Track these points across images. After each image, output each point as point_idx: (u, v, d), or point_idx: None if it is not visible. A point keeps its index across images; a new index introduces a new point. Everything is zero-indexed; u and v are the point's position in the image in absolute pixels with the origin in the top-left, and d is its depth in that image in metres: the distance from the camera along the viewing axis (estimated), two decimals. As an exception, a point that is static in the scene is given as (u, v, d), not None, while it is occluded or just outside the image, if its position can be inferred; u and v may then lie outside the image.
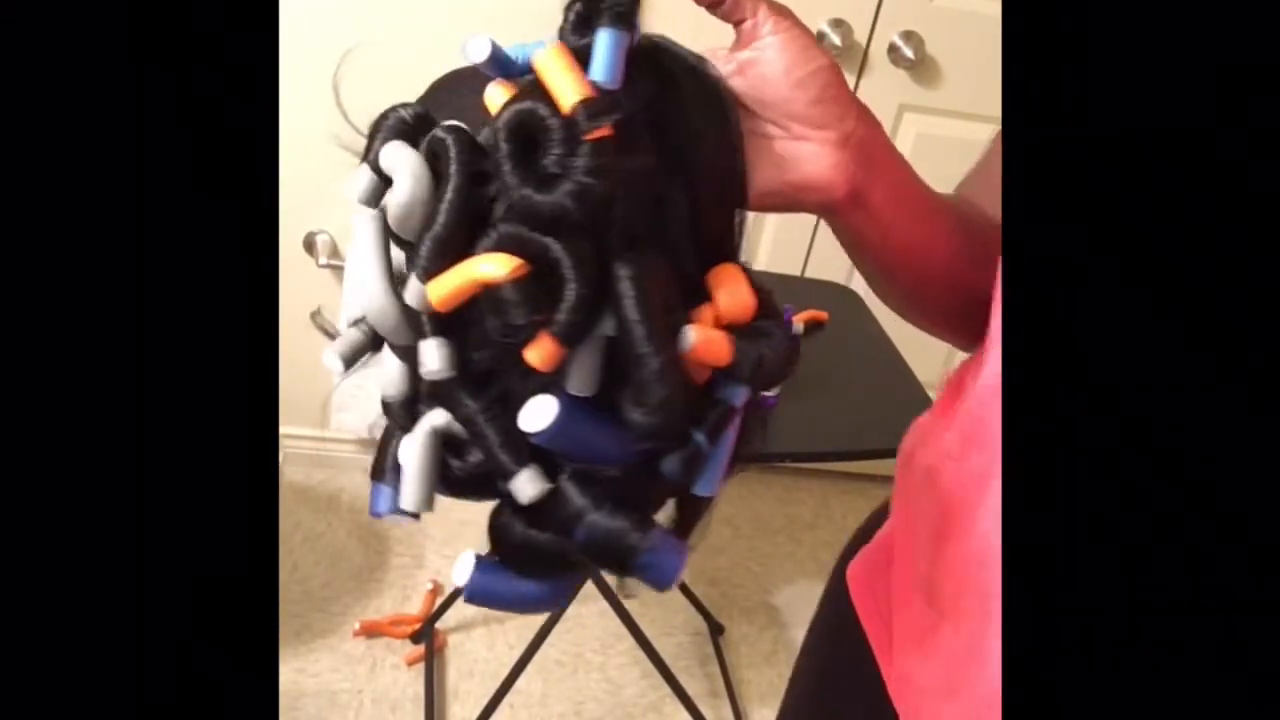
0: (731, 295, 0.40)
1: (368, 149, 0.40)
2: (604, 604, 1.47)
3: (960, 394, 0.55)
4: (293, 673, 1.61)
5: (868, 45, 1.74)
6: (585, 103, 0.35)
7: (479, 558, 0.40)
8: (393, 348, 0.40)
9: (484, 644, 1.75)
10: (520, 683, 1.49)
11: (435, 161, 0.37)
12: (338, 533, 1.93)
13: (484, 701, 1.49)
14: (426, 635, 1.71)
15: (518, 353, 0.35)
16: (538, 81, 0.36)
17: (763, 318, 0.40)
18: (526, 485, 0.38)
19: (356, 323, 0.42)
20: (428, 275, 0.36)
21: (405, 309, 0.38)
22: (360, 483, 2.05)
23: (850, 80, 1.77)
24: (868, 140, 0.45)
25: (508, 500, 0.40)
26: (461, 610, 1.78)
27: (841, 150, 0.45)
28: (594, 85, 0.36)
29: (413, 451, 0.40)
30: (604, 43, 0.36)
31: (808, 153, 0.45)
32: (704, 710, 1.60)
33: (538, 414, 0.36)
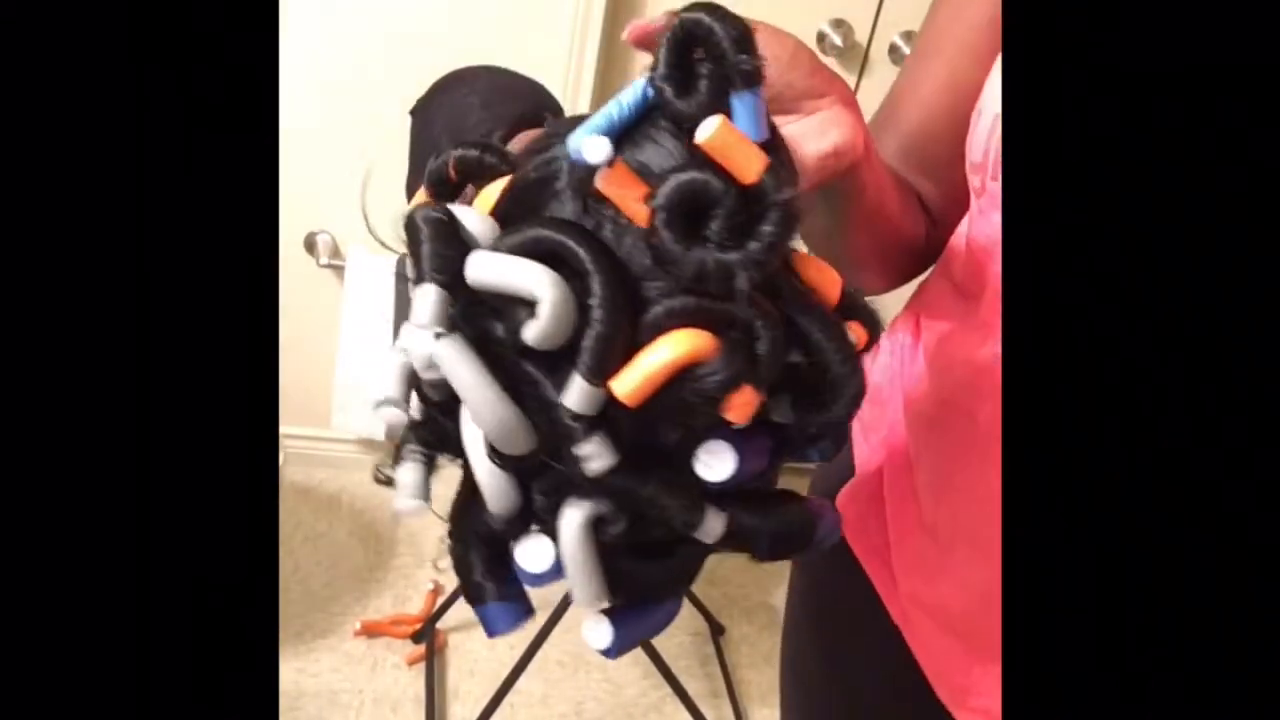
0: (822, 274, 0.41)
1: (417, 260, 0.36)
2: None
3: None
4: (293, 673, 1.61)
5: (868, 45, 1.74)
6: (770, 170, 0.35)
7: (609, 614, 0.41)
8: (501, 462, 0.38)
9: (484, 644, 1.75)
10: (521, 683, 1.49)
11: (552, 262, 0.36)
12: (338, 533, 1.93)
13: (484, 701, 1.49)
14: (427, 635, 1.71)
15: (688, 416, 0.36)
16: (713, 151, 0.35)
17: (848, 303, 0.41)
18: (716, 524, 0.39)
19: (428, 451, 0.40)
20: (600, 376, 0.35)
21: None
22: (360, 482, 2.05)
23: (851, 80, 1.77)
24: (851, 95, 0.49)
25: (627, 549, 0.40)
26: (462, 610, 1.78)
27: (849, 106, 0.47)
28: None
29: (578, 550, 0.39)
30: (750, 106, 0.36)
31: (829, 120, 0.47)
32: (704, 710, 1.60)
33: (724, 459, 0.37)
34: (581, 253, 0.34)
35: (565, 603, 1.44)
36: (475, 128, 1.20)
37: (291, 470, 2.03)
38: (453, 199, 0.42)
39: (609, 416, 0.35)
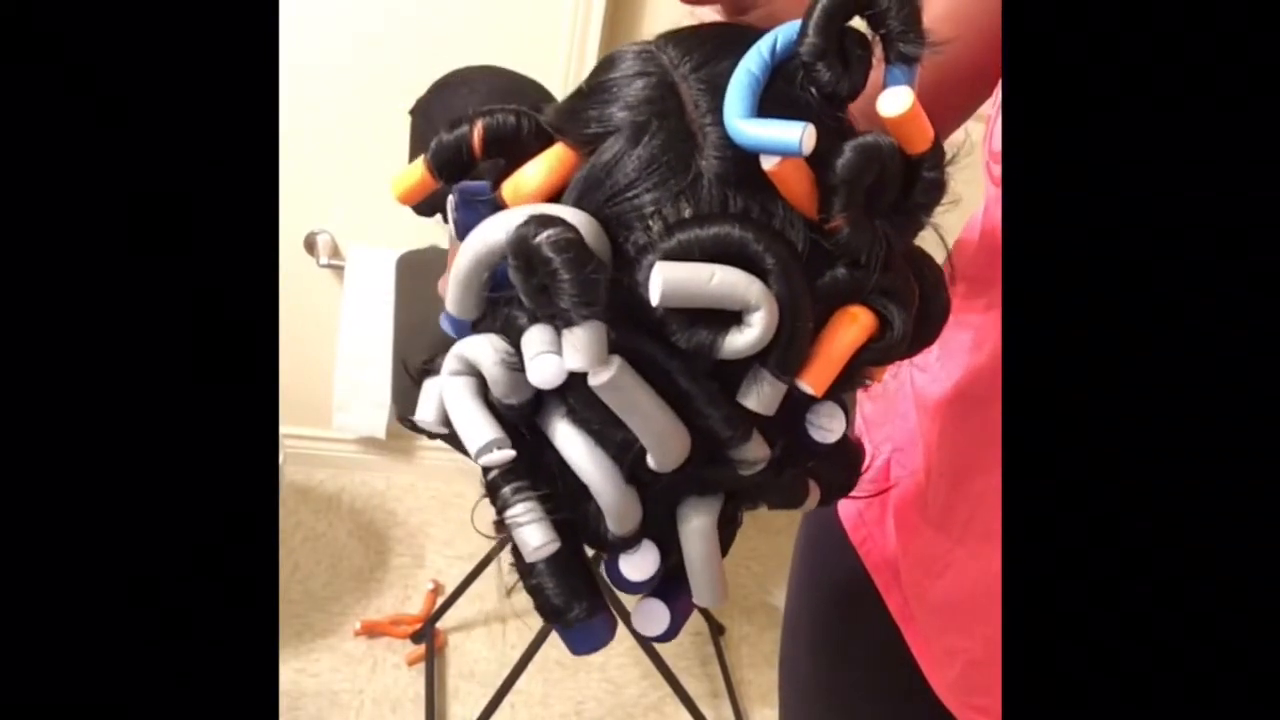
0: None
1: (545, 293, 0.32)
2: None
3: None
4: (293, 673, 1.61)
5: (868, 45, 1.74)
6: (935, 146, 0.34)
7: (656, 596, 0.39)
8: (649, 479, 0.36)
9: (484, 644, 1.75)
10: (521, 683, 1.49)
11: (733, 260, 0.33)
12: (338, 533, 1.93)
13: (484, 701, 1.49)
14: (427, 635, 1.71)
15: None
16: (894, 123, 0.33)
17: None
18: (814, 497, 0.40)
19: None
20: (792, 375, 0.33)
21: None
22: (360, 482, 2.06)
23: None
24: None
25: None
26: (462, 610, 1.78)
27: None
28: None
29: (707, 551, 0.38)
30: (910, 77, 0.34)
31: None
32: (705, 710, 1.60)
33: (838, 419, 0.37)
34: (767, 250, 0.32)
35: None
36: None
37: (291, 470, 2.03)
38: (463, 177, 0.37)
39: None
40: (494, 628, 1.79)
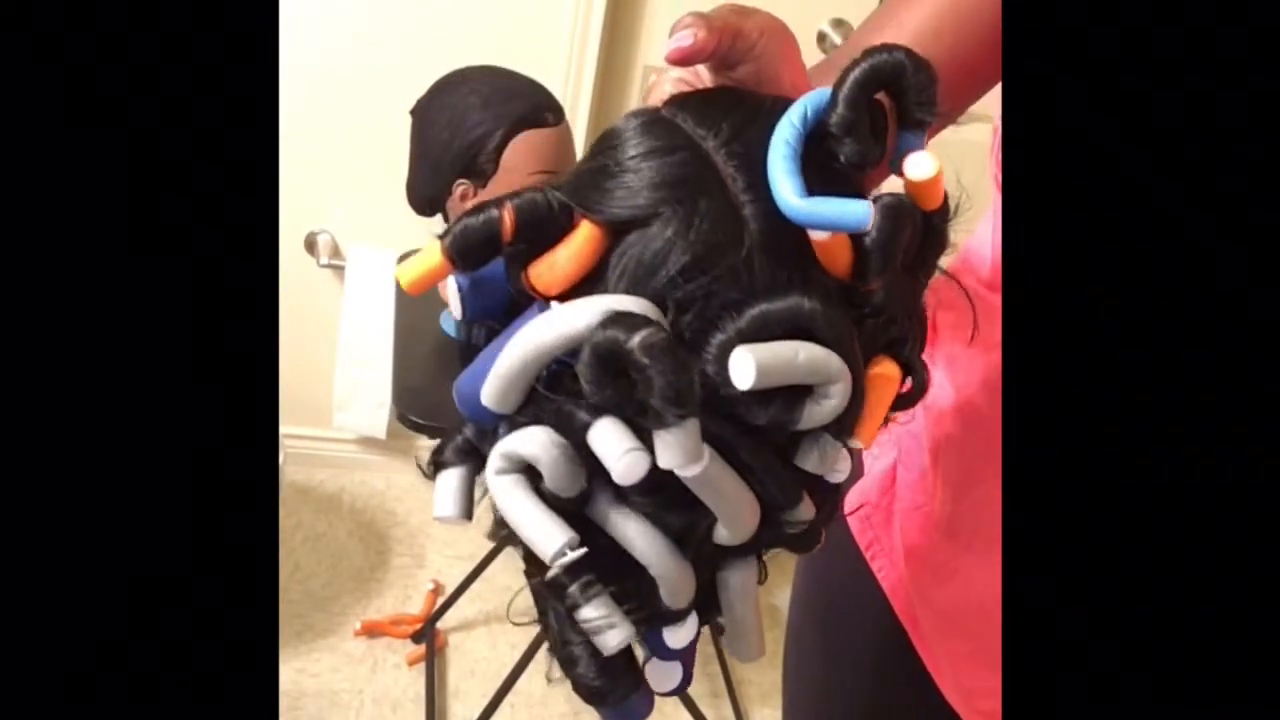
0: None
1: (637, 393, 0.31)
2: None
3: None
4: (293, 673, 1.61)
5: (868, 45, 1.74)
6: (946, 201, 0.36)
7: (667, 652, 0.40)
8: (670, 575, 0.36)
9: (485, 644, 1.75)
10: (521, 683, 1.49)
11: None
12: (339, 533, 1.93)
13: (485, 701, 1.49)
14: (427, 635, 1.71)
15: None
16: (917, 185, 0.35)
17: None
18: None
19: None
20: (850, 436, 0.35)
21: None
22: (360, 482, 2.05)
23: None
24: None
25: None
26: (462, 610, 1.78)
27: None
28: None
29: (752, 608, 0.39)
30: (921, 140, 0.36)
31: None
32: (704, 710, 1.59)
33: (845, 460, 0.37)
34: (832, 322, 0.32)
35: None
36: (475, 128, 1.20)
37: (291, 470, 2.02)
38: (486, 263, 0.35)
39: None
40: (494, 628, 1.79)
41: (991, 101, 0.56)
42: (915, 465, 0.63)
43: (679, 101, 0.37)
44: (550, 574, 0.35)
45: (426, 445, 2.03)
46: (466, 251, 0.34)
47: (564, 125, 1.25)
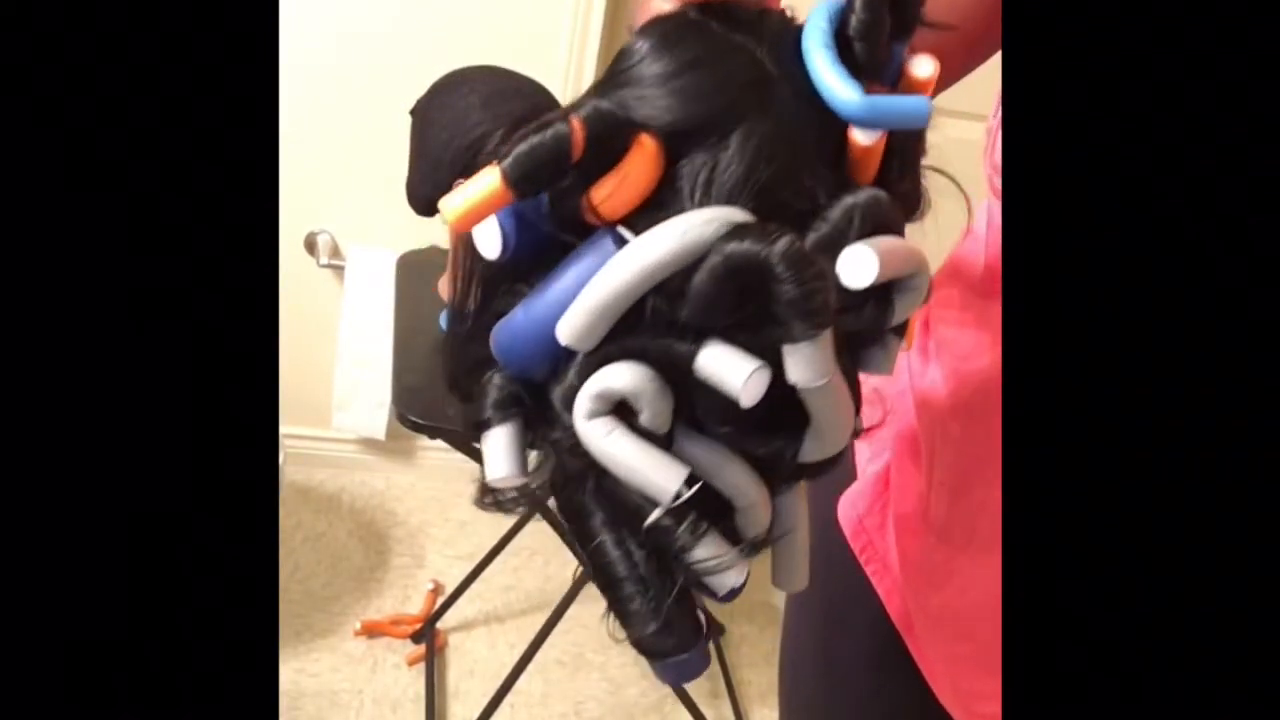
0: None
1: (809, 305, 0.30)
2: (605, 604, 1.46)
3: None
4: (293, 673, 1.61)
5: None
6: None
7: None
8: (757, 503, 0.35)
9: (485, 644, 1.75)
10: (521, 683, 1.49)
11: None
12: (338, 533, 1.92)
13: (484, 701, 1.49)
14: (427, 635, 1.71)
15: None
16: (923, 84, 0.35)
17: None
18: None
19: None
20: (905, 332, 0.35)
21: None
22: (360, 482, 2.05)
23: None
24: None
25: None
26: (462, 610, 1.78)
27: None
28: None
29: (807, 534, 0.38)
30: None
31: None
32: (704, 710, 1.59)
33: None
34: (899, 217, 0.34)
35: (565, 603, 1.44)
36: (475, 128, 1.20)
37: (291, 470, 2.02)
38: (549, 188, 0.32)
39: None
40: (494, 628, 1.79)
41: (985, 100, 0.56)
42: (910, 469, 0.63)
43: (699, 8, 0.35)
44: (655, 518, 0.33)
45: (426, 445, 2.03)
46: (532, 175, 0.31)
47: (564, 125, 1.25)
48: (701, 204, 0.32)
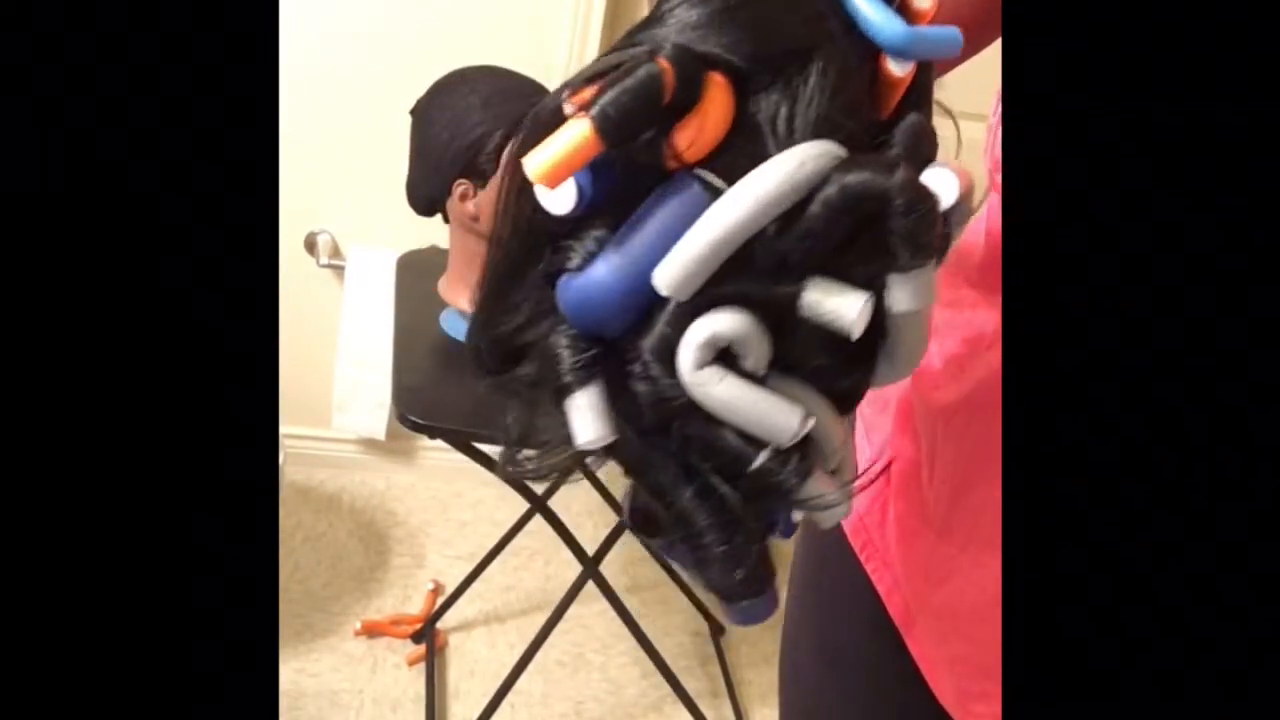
0: None
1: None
2: (605, 604, 1.47)
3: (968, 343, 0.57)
4: (293, 673, 1.61)
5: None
6: None
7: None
8: (836, 433, 0.35)
9: (485, 644, 1.75)
10: (521, 682, 1.49)
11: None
12: (338, 533, 1.92)
13: (485, 701, 1.49)
14: (427, 635, 1.71)
15: None
16: (924, 14, 0.34)
17: None
18: None
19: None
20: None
21: None
22: (360, 482, 2.05)
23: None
24: None
25: None
26: (462, 610, 1.78)
27: None
28: None
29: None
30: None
31: None
32: (705, 710, 1.60)
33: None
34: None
35: (565, 603, 1.44)
36: (475, 128, 1.20)
37: (291, 470, 2.03)
38: (639, 136, 0.31)
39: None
40: (494, 628, 1.79)
41: (984, 100, 0.56)
42: (910, 466, 0.63)
43: None
44: (761, 461, 0.32)
45: (426, 445, 2.03)
46: (625, 122, 0.30)
47: (564, 125, 1.25)
48: (787, 141, 0.31)
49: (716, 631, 1.86)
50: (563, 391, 0.34)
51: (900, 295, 0.31)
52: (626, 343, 0.33)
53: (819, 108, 0.31)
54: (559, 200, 0.32)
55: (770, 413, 0.32)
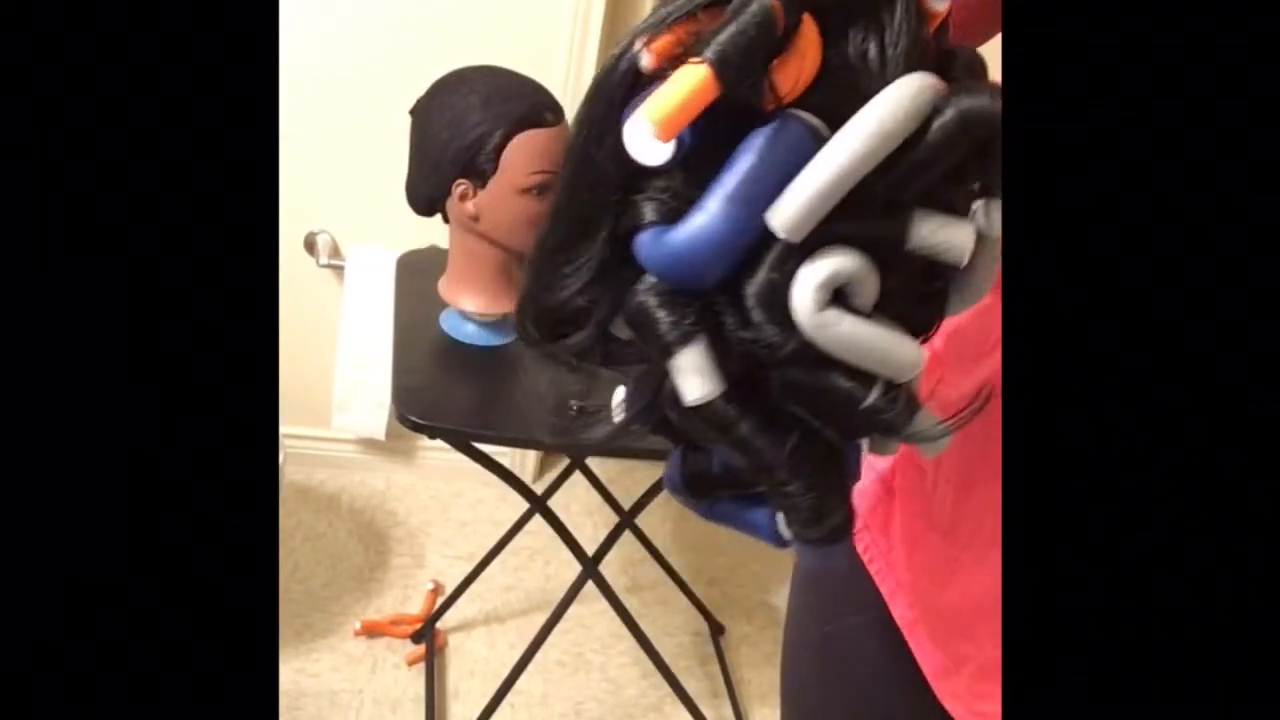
0: None
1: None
2: (605, 604, 1.47)
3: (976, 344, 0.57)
4: (293, 673, 1.61)
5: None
6: None
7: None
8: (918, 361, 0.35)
9: (484, 644, 1.75)
10: (521, 682, 1.49)
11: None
12: (338, 533, 1.93)
13: (484, 701, 1.49)
14: (427, 635, 1.71)
15: None
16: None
17: None
18: None
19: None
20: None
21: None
22: (360, 482, 2.05)
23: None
24: None
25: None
26: (462, 610, 1.78)
27: None
28: None
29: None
30: None
31: None
32: (704, 710, 1.60)
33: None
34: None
35: (565, 603, 1.44)
36: (475, 127, 1.20)
37: (291, 470, 2.03)
38: (755, 77, 0.30)
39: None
40: (494, 628, 1.79)
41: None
42: (913, 466, 0.63)
43: None
44: (874, 398, 0.32)
45: (426, 445, 2.03)
46: (742, 62, 0.29)
47: (564, 125, 1.25)
48: (881, 76, 0.31)
49: (716, 631, 1.86)
50: (666, 352, 0.33)
51: (993, 218, 0.32)
52: (717, 294, 0.32)
53: (905, 44, 0.31)
54: (655, 151, 0.31)
55: (894, 347, 0.32)
